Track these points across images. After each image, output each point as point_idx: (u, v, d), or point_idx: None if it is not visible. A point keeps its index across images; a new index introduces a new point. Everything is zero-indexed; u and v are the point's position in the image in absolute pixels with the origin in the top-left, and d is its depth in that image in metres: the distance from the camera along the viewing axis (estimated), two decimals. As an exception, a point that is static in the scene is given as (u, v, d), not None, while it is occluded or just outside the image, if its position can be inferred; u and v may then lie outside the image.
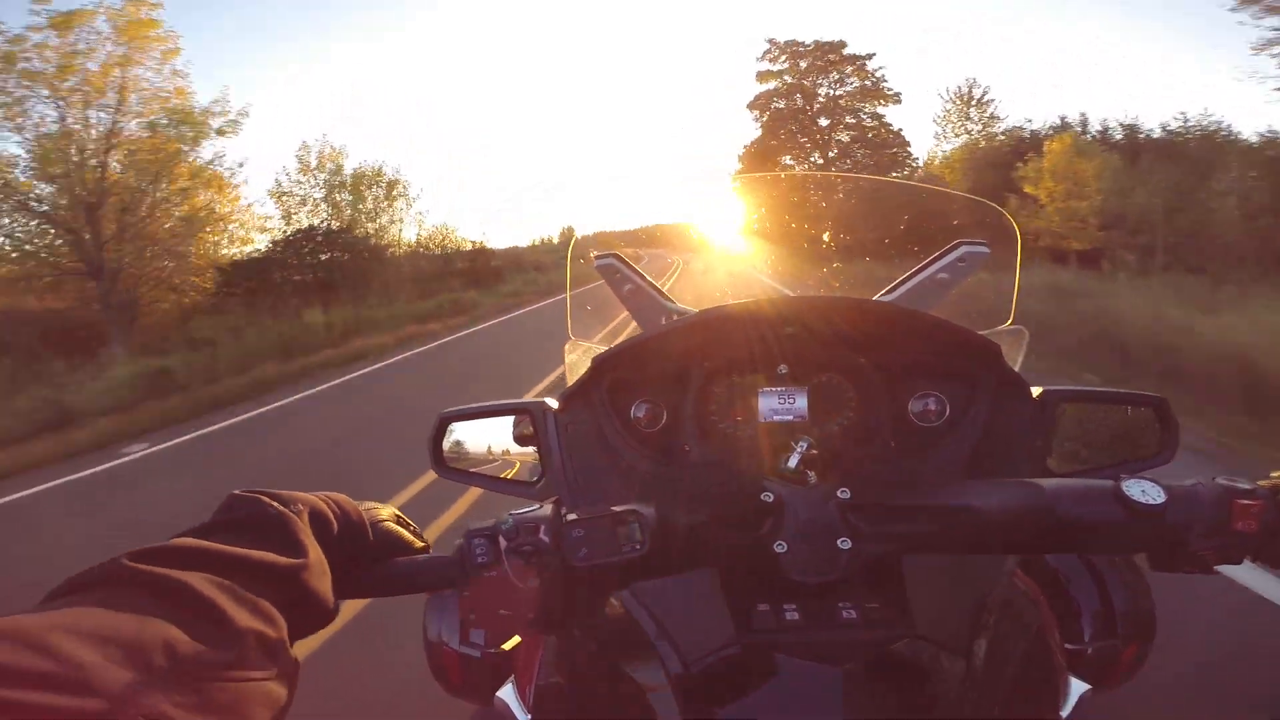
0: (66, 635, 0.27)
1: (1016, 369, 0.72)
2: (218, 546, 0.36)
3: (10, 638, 0.26)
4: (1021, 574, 0.76)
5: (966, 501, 0.51)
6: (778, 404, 0.76)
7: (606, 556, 0.49)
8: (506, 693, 0.74)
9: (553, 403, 0.76)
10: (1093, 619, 0.75)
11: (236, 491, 0.43)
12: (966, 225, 0.94)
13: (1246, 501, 0.47)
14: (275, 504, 0.42)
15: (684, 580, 0.62)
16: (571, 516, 0.50)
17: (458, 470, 0.78)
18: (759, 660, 0.56)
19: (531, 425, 0.76)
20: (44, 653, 0.26)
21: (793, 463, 0.59)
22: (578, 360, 0.85)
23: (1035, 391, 0.71)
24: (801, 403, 0.75)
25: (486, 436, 0.82)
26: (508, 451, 0.81)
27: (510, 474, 0.80)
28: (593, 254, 0.90)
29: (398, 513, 0.55)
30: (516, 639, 0.76)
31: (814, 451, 0.59)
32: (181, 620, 0.31)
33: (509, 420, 0.80)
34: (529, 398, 0.78)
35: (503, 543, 0.48)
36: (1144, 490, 0.48)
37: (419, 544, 0.54)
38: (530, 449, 0.79)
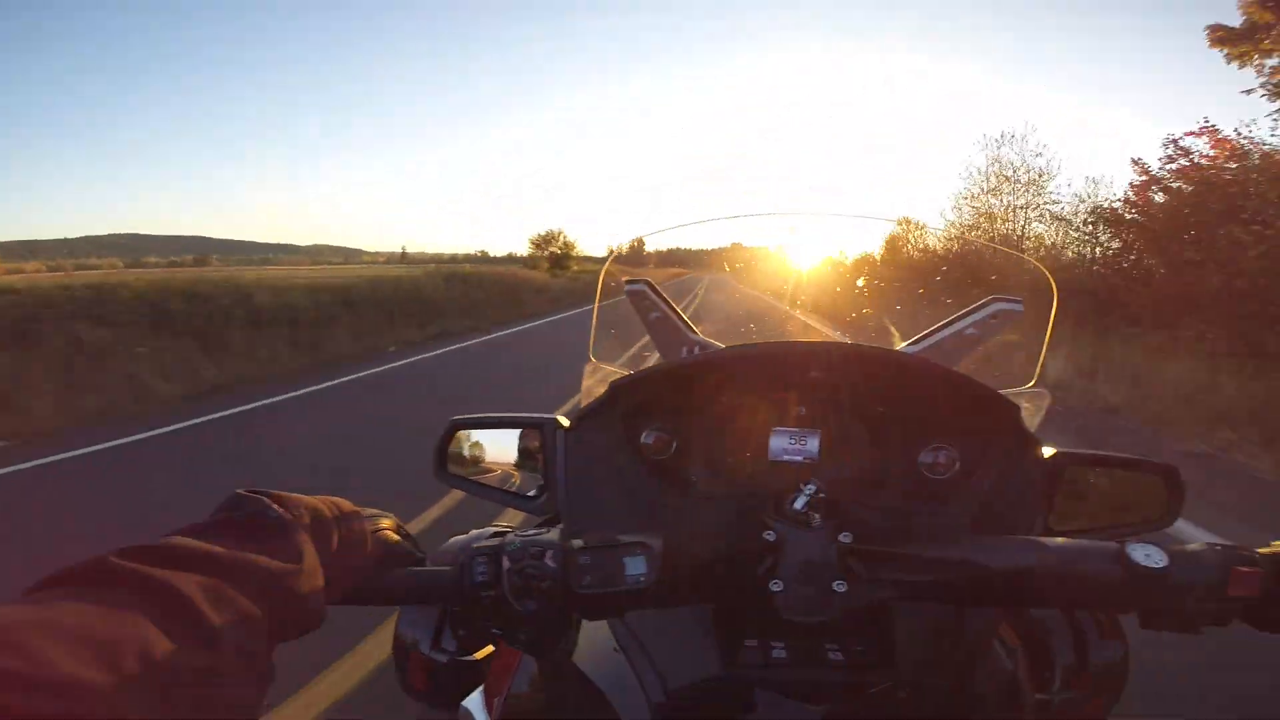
0: (39, 632, 0.27)
1: (1034, 429, 0.73)
2: (208, 547, 0.37)
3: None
4: (1005, 626, 0.77)
5: (969, 556, 0.53)
6: (790, 444, 0.76)
7: (610, 586, 0.49)
8: (472, 702, 0.75)
9: (564, 420, 0.77)
10: (1065, 671, 0.77)
11: (240, 490, 0.44)
12: (1002, 281, 0.94)
13: (1246, 569, 0.49)
14: (276, 506, 0.42)
15: (672, 611, 0.62)
16: (578, 543, 0.51)
17: (458, 477, 0.79)
18: (741, 694, 0.57)
19: (540, 440, 0.77)
20: (12, 649, 0.26)
21: (799, 504, 0.59)
22: (595, 383, 0.86)
23: (1047, 452, 0.72)
24: (814, 445, 0.76)
25: (494, 446, 0.82)
26: (513, 463, 0.82)
27: (513, 486, 0.81)
28: (624, 279, 0.91)
29: (398, 522, 0.56)
30: (489, 649, 0.77)
31: (821, 495, 0.59)
32: (161, 622, 0.31)
33: (517, 432, 0.80)
34: (542, 413, 0.79)
35: (505, 563, 0.49)
36: (1148, 554, 0.50)
37: (416, 555, 0.55)
38: (534, 463, 0.79)
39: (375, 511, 0.53)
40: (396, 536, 0.53)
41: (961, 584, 0.53)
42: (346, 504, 0.49)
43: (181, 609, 0.32)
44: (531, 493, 0.79)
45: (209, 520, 0.41)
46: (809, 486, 0.60)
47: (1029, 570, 0.52)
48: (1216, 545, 0.51)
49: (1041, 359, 0.88)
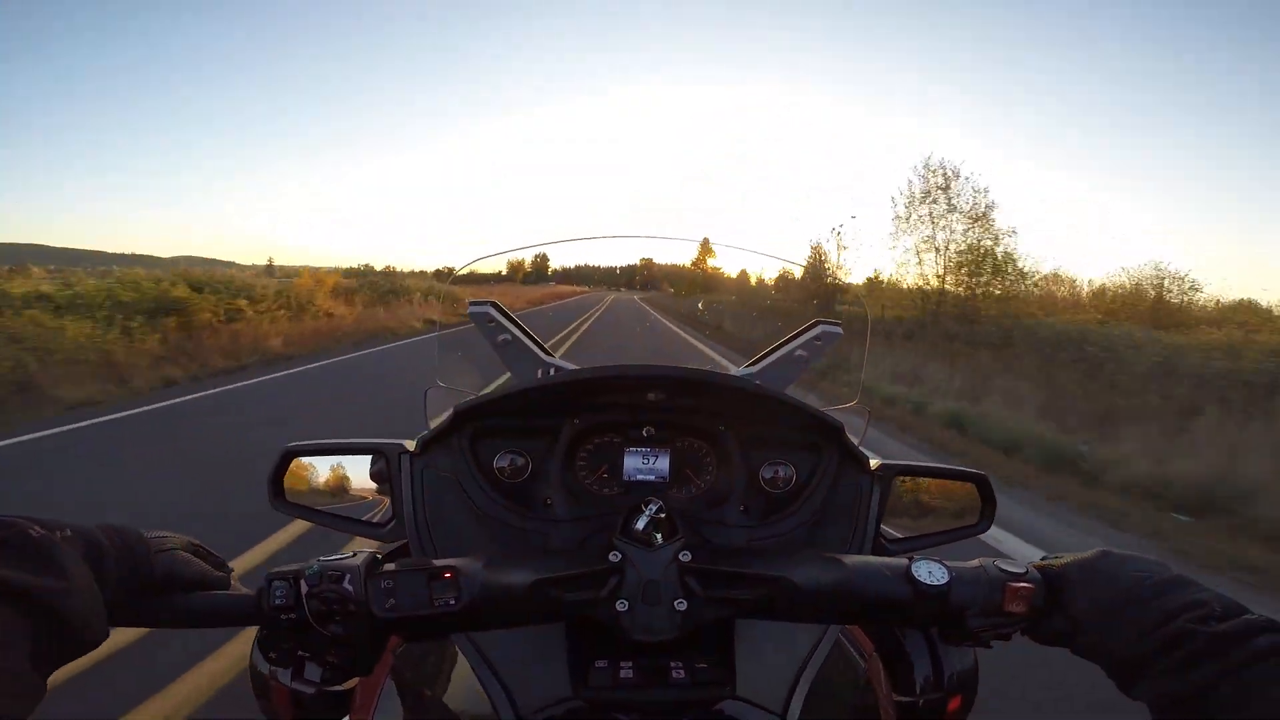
0: None
1: (859, 443, 0.79)
2: None
3: None
4: (860, 633, 0.82)
5: (784, 573, 0.55)
6: (641, 464, 0.79)
7: (416, 610, 0.50)
8: None
9: (410, 445, 0.76)
10: (923, 674, 0.82)
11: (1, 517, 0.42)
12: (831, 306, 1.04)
13: (1018, 585, 0.52)
14: (37, 528, 0.41)
15: (526, 631, 0.63)
16: (389, 567, 0.51)
17: (298, 505, 0.77)
18: (595, 715, 0.57)
19: (385, 466, 0.76)
20: None
21: (641, 524, 0.60)
22: (440, 405, 0.86)
23: (874, 464, 0.78)
24: (663, 464, 0.79)
25: (345, 472, 0.81)
26: (358, 489, 0.80)
27: (375, 515, 0.79)
28: (468, 300, 0.90)
29: (194, 542, 0.55)
30: (355, 680, 0.75)
31: (662, 514, 0.61)
32: None
33: (368, 459, 0.79)
34: (385, 439, 0.78)
35: (304, 587, 0.49)
36: (930, 571, 0.53)
37: (217, 574, 0.54)
38: (380, 489, 0.78)
39: (163, 534, 0.52)
40: (191, 557, 0.52)
41: (778, 601, 0.55)
42: (125, 527, 0.49)
43: None
44: (378, 518, 0.77)
45: None
46: (651, 506, 0.62)
47: (831, 589, 0.54)
48: (995, 562, 0.55)
49: (862, 375, 0.98)
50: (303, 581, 0.50)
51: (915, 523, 0.83)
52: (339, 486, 0.81)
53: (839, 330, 0.90)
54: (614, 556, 0.58)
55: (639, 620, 0.55)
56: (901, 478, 0.80)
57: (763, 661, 0.63)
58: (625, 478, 0.79)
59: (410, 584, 0.51)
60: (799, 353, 0.90)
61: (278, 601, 0.49)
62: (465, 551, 0.56)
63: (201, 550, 0.55)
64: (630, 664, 0.58)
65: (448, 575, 0.51)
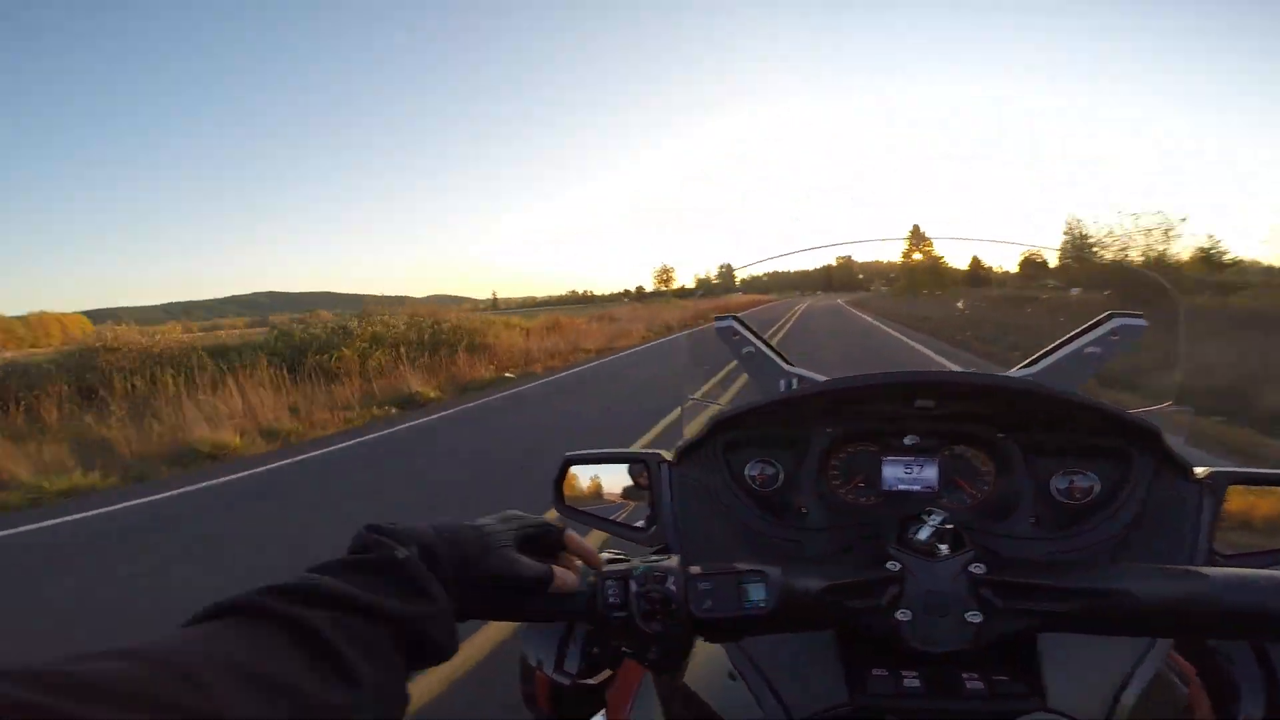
0: (216, 671, 0.30)
1: (1179, 449, 0.69)
2: (348, 590, 0.39)
3: (165, 665, 0.29)
4: (1177, 656, 0.72)
5: (1122, 585, 0.51)
6: (904, 473, 0.76)
7: (729, 611, 0.52)
8: None
9: (667, 454, 0.81)
10: (1253, 701, 0.70)
11: (367, 527, 0.46)
12: (1118, 298, 0.90)
13: None
14: (398, 546, 0.44)
15: (799, 636, 0.63)
16: (695, 569, 0.54)
17: (574, 509, 0.84)
18: None
19: (646, 474, 0.81)
20: (196, 689, 0.28)
21: (924, 534, 0.59)
22: (695, 416, 0.90)
23: (1200, 472, 0.67)
24: (930, 473, 0.76)
25: (604, 479, 0.87)
26: (614, 494, 0.86)
27: (621, 516, 0.85)
28: (713, 316, 0.95)
29: (526, 524, 0.56)
30: (607, 672, 0.80)
31: (948, 525, 0.59)
32: (309, 661, 0.34)
33: (624, 466, 0.85)
34: (644, 448, 0.83)
35: (633, 587, 0.53)
36: None
37: (539, 568, 0.54)
38: (642, 495, 0.83)
39: (495, 525, 0.54)
40: (516, 557, 0.53)
41: (1111, 614, 0.51)
42: (459, 530, 0.51)
43: (327, 649, 0.35)
44: (640, 523, 0.83)
45: (345, 559, 0.43)
46: (934, 516, 0.60)
47: (1186, 601, 0.49)
48: None
49: (1177, 373, 0.82)
50: (631, 581, 0.53)
51: (1263, 537, 0.70)
52: (595, 491, 0.88)
53: (1141, 322, 0.78)
54: (892, 566, 0.57)
55: (922, 631, 0.54)
56: (1236, 486, 0.67)
57: (1075, 675, 0.58)
58: (884, 488, 0.77)
59: (723, 586, 0.53)
60: (1090, 350, 0.79)
61: (611, 600, 0.53)
62: (718, 556, 0.58)
63: (530, 532, 0.56)
64: (914, 674, 0.56)
65: (756, 579, 0.53)
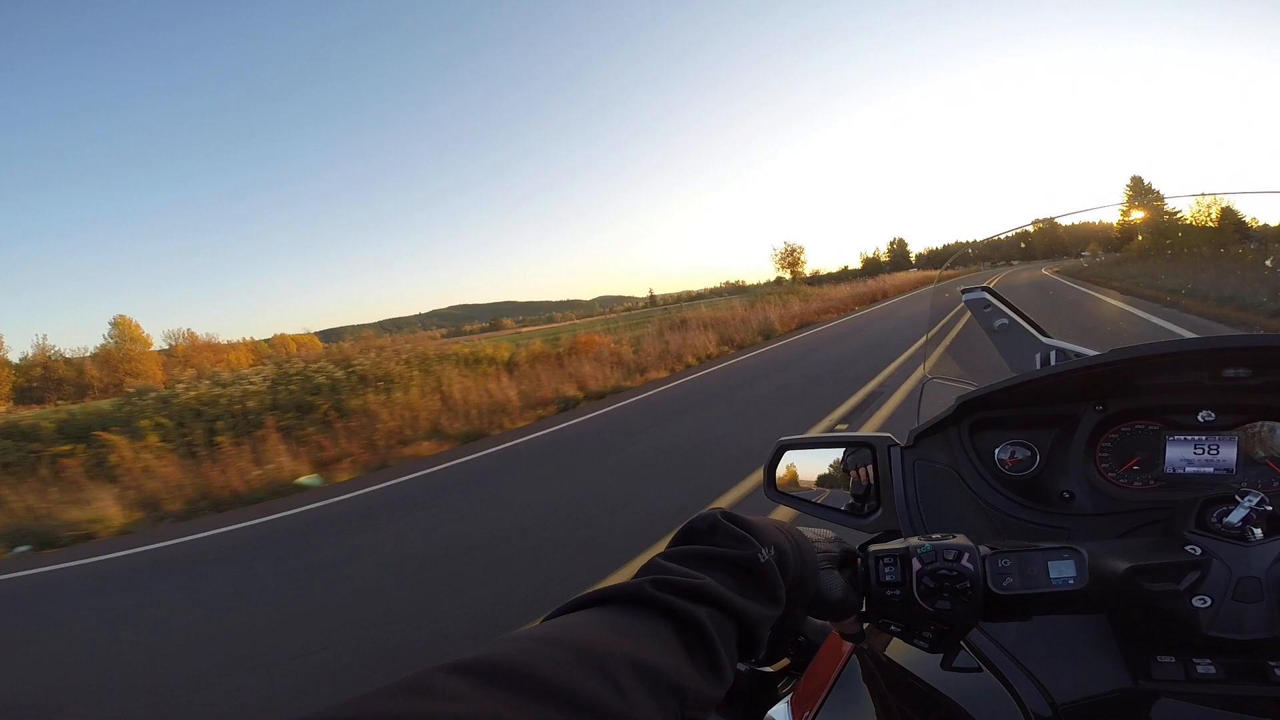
0: (623, 666, 0.31)
1: None
2: (715, 587, 0.39)
3: (585, 659, 0.30)
4: None
5: None
6: (1194, 454, 0.68)
7: (1035, 588, 0.51)
8: (779, 712, 0.76)
9: (896, 438, 0.78)
10: None
11: (722, 514, 0.45)
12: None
13: None
14: (761, 548, 0.44)
15: (1051, 624, 0.61)
16: (985, 550, 0.53)
17: (786, 495, 0.83)
18: (1147, 708, 0.53)
19: (872, 459, 0.78)
20: (610, 683, 0.29)
21: (1235, 518, 0.54)
22: (935, 397, 0.85)
23: None
24: (1228, 453, 0.67)
25: (800, 466, 0.85)
26: (808, 480, 0.84)
27: (822, 501, 0.82)
28: (961, 290, 0.89)
29: (847, 550, 0.57)
30: (784, 661, 0.78)
31: (1267, 507, 0.54)
32: (692, 658, 0.34)
33: (827, 451, 0.82)
34: (868, 432, 0.80)
35: (916, 565, 0.52)
36: None
37: (850, 599, 0.54)
38: (850, 479, 0.81)
39: (824, 544, 0.55)
40: (837, 578, 0.54)
41: None
42: (807, 542, 0.51)
43: (705, 644, 0.35)
44: (843, 506, 0.80)
45: (705, 550, 0.43)
46: (1249, 498, 0.55)
47: None
48: None
49: None
50: (915, 559, 0.53)
51: None
52: (791, 478, 0.85)
53: None
54: (1192, 550, 0.53)
55: (1225, 616, 0.51)
56: None
57: None
58: (1169, 470, 0.69)
59: (1029, 564, 0.52)
60: None
61: (887, 578, 0.53)
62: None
63: (845, 551, 0.56)
64: (1209, 661, 0.53)
65: (1065, 556, 0.52)
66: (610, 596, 0.37)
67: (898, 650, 0.71)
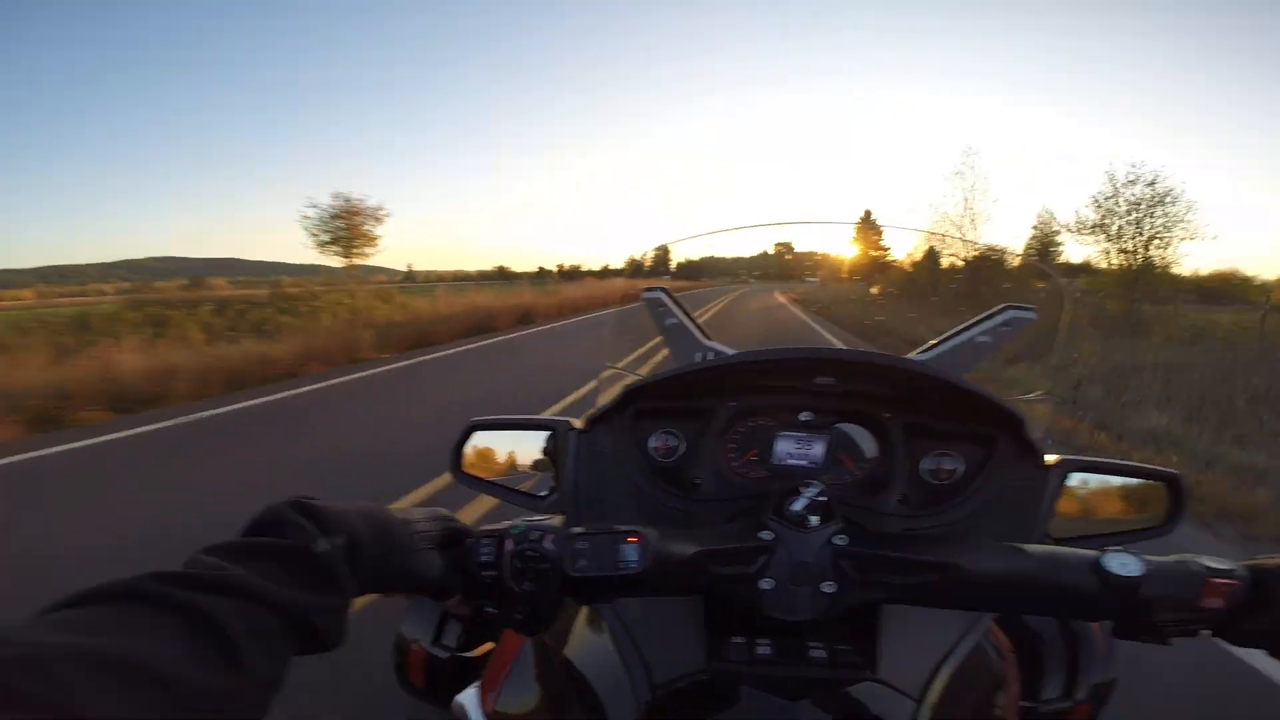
0: (71, 658, 0.28)
1: (1039, 436, 0.74)
2: (245, 576, 0.37)
3: (18, 662, 0.27)
4: (997, 630, 0.79)
5: (954, 560, 0.55)
6: (795, 449, 0.79)
7: (602, 570, 0.53)
8: (466, 696, 0.78)
9: (577, 422, 0.81)
10: (1056, 680, 0.78)
11: (292, 504, 0.44)
12: (1017, 290, 0.97)
13: (1220, 581, 0.50)
14: (319, 538, 0.42)
15: (670, 603, 0.66)
16: (578, 530, 0.54)
17: (473, 477, 0.83)
18: (724, 689, 0.59)
19: (553, 442, 0.81)
20: (49, 681, 0.27)
21: (798, 506, 0.61)
22: (610, 385, 0.90)
23: (1050, 459, 0.74)
24: (819, 449, 0.79)
25: (507, 447, 0.86)
26: (524, 464, 0.86)
27: (527, 486, 0.84)
28: (641, 288, 0.96)
29: (454, 527, 0.56)
30: (489, 646, 0.80)
31: (822, 498, 0.62)
32: (192, 646, 0.32)
33: (530, 434, 0.84)
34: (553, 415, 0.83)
35: (509, 545, 0.53)
36: (1123, 563, 0.51)
37: (451, 577, 0.54)
38: (548, 464, 0.83)
39: (422, 523, 0.54)
40: (436, 560, 0.53)
41: (945, 588, 0.55)
42: (392, 522, 0.50)
43: (213, 633, 0.34)
44: (544, 492, 0.82)
45: (248, 541, 0.41)
46: (809, 489, 0.62)
47: (1009, 577, 0.54)
48: (1195, 558, 0.52)
49: (1055, 366, 0.89)
50: (508, 540, 0.53)
51: (1088, 522, 0.78)
52: (507, 460, 0.87)
53: (1031, 315, 0.84)
54: (765, 535, 0.59)
55: (781, 598, 0.57)
56: (1076, 474, 0.75)
57: (906, 648, 0.63)
58: (775, 461, 0.79)
59: (601, 546, 0.53)
60: (981, 339, 0.85)
61: (484, 558, 0.53)
62: (617, 524, 0.58)
63: (455, 536, 0.56)
64: (768, 642, 0.59)
65: (632, 539, 0.54)
66: (93, 595, 0.34)
67: (578, 632, 0.74)
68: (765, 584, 0.57)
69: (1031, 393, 0.87)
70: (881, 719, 0.59)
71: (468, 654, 0.80)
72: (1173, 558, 0.53)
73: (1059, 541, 0.76)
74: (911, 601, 0.58)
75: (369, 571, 0.46)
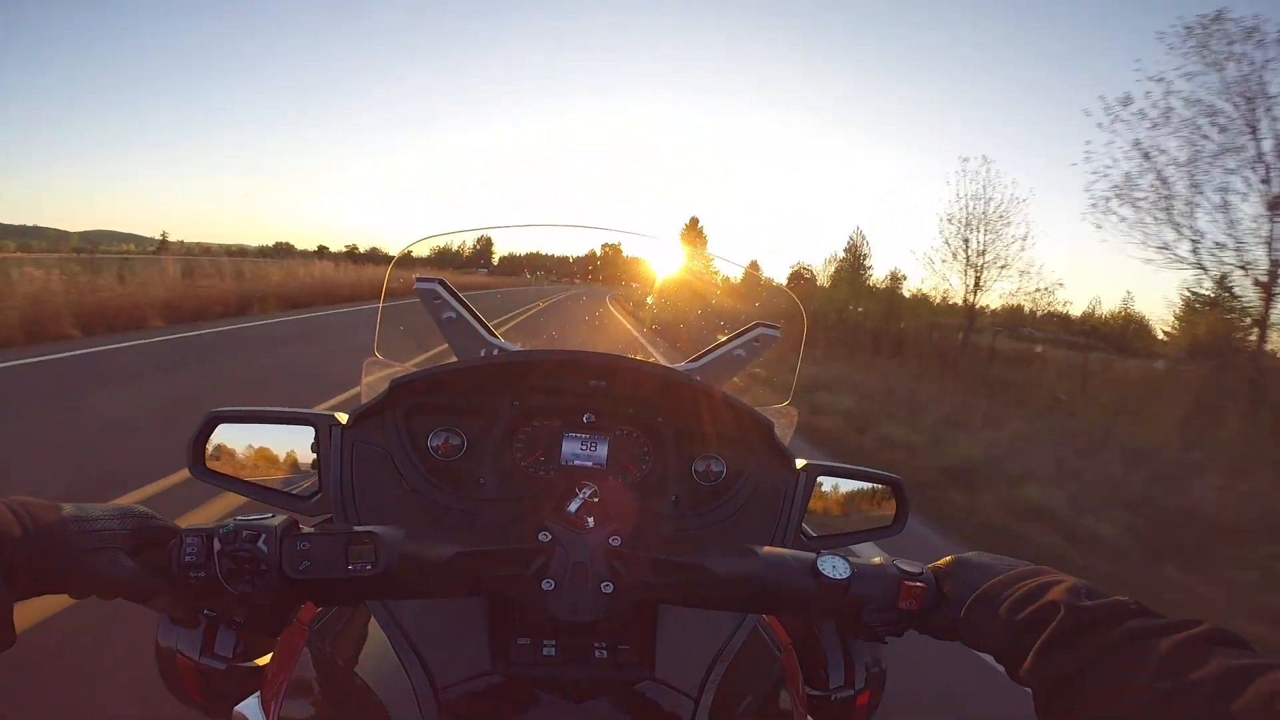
0: None
1: (787, 443, 0.83)
2: None
3: None
4: (778, 626, 0.87)
5: (703, 562, 0.58)
6: (580, 450, 0.81)
7: (330, 572, 0.51)
8: (248, 706, 0.73)
9: (342, 417, 0.76)
10: (839, 670, 0.86)
11: None
12: (772, 308, 1.10)
13: (912, 584, 0.55)
14: None
15: (448, 605, 0.65)
16: (307, 530, 0.52)
17: (219, 474, 0.74)
18: (515, 692, 0.59)
19: (315, 438, 0.75)
20: None
21: (573, 507, 0.63)
22: (376, 379, 0.85)
23: (799, 463, 0.82)
24: (602, 451, 0.81)
25: (265, 442, 0.78)
26: (284, 461, 0.78)
27: (298, 489, 0.77)
28: (415, 277, 0.91)
29: (147, 520, 0.52)
30: (269, 655, 0.74)
31: (596, 499, 0.63)
32: None
33: (290, 429, 0.77)
34: (321, 409, 0.76)
35: (217, 545, 0.49)
36: (834, 566, 0.56)
37: (149, 575, 0.50)
38: (306, 462, 0.77)
39: (101, 517, 0.49)
40: (124, 560, 0.49)
41: (696, 588, 0.58)
42: (66, 521, 0.46)
43: None
44: (304, 492, 0.76)
45: None
46: (585, 490, 0.64)
47: (744, 578, 0.57)
48: (896, 561, 0.58)
49: (795, 378, 1.04)
50: (216, 539, 0.50)
51: (840, 521, 0.88)
52: (271, 456, 0.79)
53: (777, 332, 0.95)
54: (544, 536, 0.60)
55: (564, 600, 0.58)
56: (824, 477, 0.84)
57: (682, 646, 0.66)
58: (563, 462, 0.81)
59: (326, 547, 0.51)
60: (738, 352, 0.95)
61: (188, 558, 0.49)
62: (387, 525, 0.56)
63: (147, 529, 0.51)
64: (553, 643, 0.60)
65: (365, 541, 0.52)
66: None
67: (359, 636, 0.70)
68: (547, 585, 0.58)
69: (782, 403, 0.98)
70: (665, 717, 0.61)
71: (248, 663, 0.71)
72: (875, 560, 0.59)
73: (815, 540, 0.84)
74: (675, 602, 0.60)
75: (24, 572, 0.42)
